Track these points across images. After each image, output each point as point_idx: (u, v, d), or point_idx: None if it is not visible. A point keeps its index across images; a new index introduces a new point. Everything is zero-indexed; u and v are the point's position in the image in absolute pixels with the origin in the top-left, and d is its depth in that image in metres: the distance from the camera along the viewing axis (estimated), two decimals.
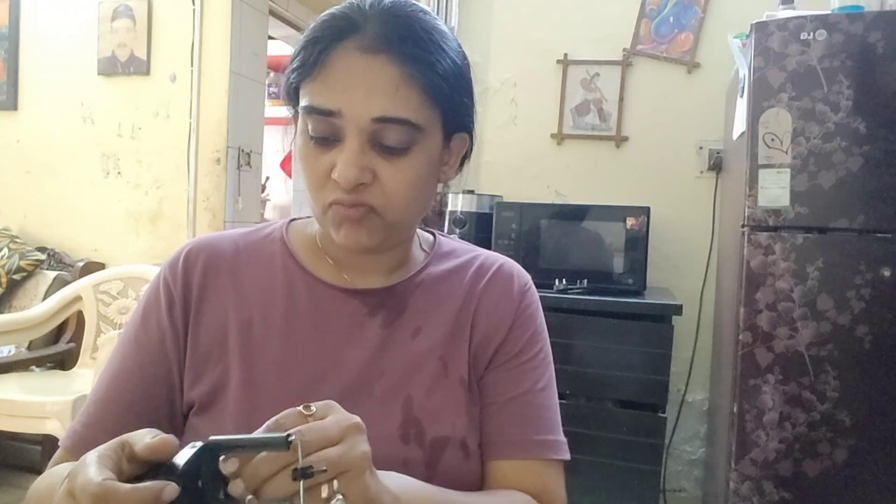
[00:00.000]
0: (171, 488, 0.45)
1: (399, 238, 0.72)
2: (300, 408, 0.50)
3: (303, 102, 0.64)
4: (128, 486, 0.45)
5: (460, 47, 0.69)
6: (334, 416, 0.50)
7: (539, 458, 0.71)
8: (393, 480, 0.56)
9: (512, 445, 0.71)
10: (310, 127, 0.64)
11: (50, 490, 0.59)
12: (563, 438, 0.74)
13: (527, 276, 0.80)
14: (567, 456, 0.73)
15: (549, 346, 0.78)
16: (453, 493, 0.65)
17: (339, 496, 0.48)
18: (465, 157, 0.74)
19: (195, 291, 0.71)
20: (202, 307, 0.71)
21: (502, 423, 0.72)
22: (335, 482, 0.48)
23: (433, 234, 0.82)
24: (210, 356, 0.70)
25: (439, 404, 0.70)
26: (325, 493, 0.48)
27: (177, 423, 0.71)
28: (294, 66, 0.65)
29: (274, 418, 0.49)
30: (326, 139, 0.63)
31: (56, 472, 0.65)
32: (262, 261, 0.74)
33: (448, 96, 0.65)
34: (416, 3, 0.67)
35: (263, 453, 0.47)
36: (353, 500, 0.49)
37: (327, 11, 0.66)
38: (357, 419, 0.51)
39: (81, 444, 0.68)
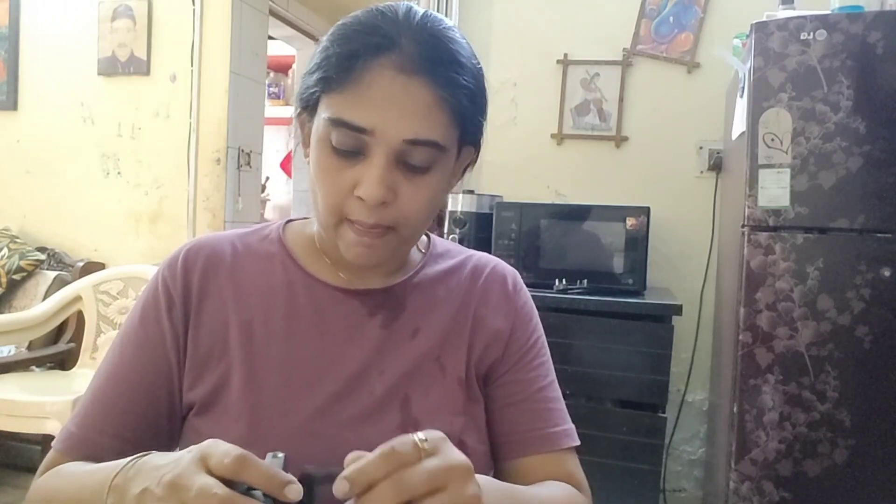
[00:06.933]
0: (297, 489, 0.47)
1: (407, 250, 0.74)
2: (415, 437, 0.49)
3: (329, 113, 0.62)
4: (264, 463, 0.48)
5: (476, 58, 0.68)
6: (442, 455, 0.49)
7: (557, 450, 0.73)
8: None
9: (533, 442, 0.73)
10: (333, 138, 0.62)
11: (76, 490, 0.59)
12: (572, 425, 0.77)
13: (516, 272, 0.83)
14: (577, 442, 0.76)
15: (544, 336, 0.81)
16: (520, 487, 0.66)
17: None
18: (469, 165, 0.75)
19: (195, 292, 0.71)
20: (202, 308, 0.71)
21: (521, 422, 0.74)
22: None
23: (427, 235, 0.83)
24: (211, 357, 0.70)
25: (437, 404, 0.70)
26: None
27: (175, 425, 0.71)
28: (319, 74, 0.63)
29: (389, 444, 0.48)
30: (350, 153, 0.63)
31: (65, 471, 0.64)
32: (261, 262, 0.75)
33: (470, 117, 0.66)
34: (442, 18, 0.66)
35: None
36: None
37: (354, 17, 0.64)
38: (465, 460, 0.50)
39: (78, 446, 0.67)
